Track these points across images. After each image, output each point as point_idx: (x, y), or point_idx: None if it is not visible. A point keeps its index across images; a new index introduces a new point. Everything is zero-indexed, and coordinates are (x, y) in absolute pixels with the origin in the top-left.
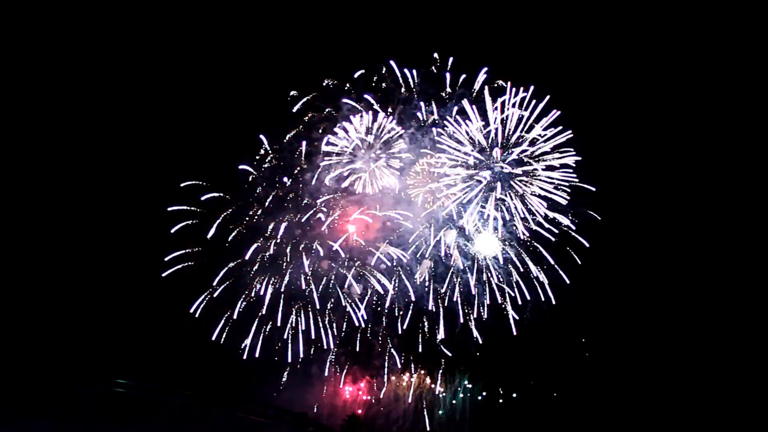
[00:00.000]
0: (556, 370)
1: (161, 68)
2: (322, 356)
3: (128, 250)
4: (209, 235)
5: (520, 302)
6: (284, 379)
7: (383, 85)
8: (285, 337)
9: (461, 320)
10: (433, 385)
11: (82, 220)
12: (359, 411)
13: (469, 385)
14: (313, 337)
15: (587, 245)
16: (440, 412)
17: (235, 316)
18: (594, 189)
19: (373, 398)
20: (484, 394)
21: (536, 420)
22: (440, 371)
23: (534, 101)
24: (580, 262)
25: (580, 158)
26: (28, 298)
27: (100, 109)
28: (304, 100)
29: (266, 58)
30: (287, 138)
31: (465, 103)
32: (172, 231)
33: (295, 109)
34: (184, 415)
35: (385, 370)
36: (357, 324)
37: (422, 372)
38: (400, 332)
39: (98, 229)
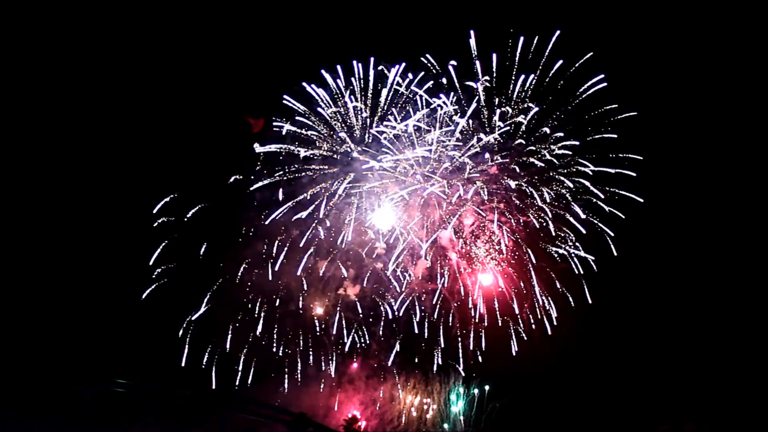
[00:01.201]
0: (555, 377)
1: (151, 76)
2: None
3: (128, 250)
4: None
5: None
6: (283, 387)
7: (381, 95)
8: (280, 354)
9: (458, 332)
10: (428, 387)
11: (82, 221)
12: (357, 413)
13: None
14: (311, 355)
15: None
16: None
17: (227, 348)
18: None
19: (368, 399)
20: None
21: (534, 420)
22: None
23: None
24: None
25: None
26: (29, 299)
27: (104, 109)
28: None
29: (262, 61)
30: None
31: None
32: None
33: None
34: (184, 415)
35: (382, 374)
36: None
37: (418, 374)
38: (397, 340)
39: (97, 230)
